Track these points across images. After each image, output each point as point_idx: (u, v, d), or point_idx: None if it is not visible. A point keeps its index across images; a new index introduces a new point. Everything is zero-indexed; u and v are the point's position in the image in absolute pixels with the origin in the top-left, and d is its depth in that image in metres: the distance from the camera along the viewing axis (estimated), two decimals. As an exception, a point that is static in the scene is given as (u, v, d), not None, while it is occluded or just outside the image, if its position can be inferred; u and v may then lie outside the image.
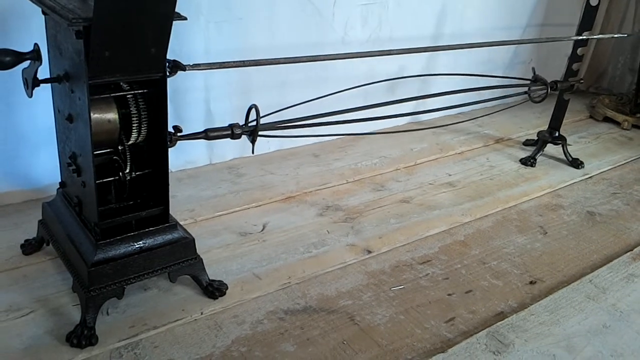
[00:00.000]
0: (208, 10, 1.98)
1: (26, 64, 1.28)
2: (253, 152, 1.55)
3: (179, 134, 1.39)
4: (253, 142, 1.53)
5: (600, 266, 1.76)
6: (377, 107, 1.84)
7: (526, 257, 1.80)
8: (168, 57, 1.25)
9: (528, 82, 2.23)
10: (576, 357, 1.39)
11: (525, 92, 2.26)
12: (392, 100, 1.92)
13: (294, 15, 2.21)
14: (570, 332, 1.47)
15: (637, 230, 2.01)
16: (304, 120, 1.65)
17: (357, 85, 1.86)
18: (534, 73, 2.25)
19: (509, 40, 2.78)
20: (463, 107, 2.28)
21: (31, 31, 1.49)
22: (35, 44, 1.26)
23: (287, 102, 1.68)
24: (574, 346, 1.42)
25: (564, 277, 1.71)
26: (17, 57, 1.25)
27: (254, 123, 1.51)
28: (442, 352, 1.37)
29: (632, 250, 1.86)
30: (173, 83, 1.30)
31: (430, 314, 1.51)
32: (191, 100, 2.08)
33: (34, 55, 1.26)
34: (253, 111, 1.50)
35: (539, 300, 1.58)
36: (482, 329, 1.45)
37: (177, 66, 1.29)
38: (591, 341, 1.44)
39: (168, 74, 1.26)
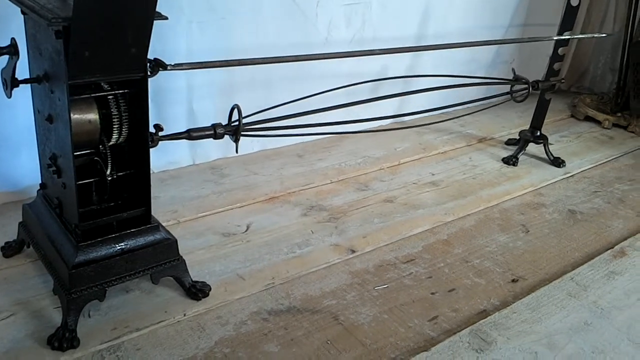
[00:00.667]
0: (190, 10, 1.97)
1: (3, 62, 1.26)
2: (237, 151, 1.55)
3: (160, 134, 1.38)
4: (236, 141, 1.53)
5: (582, 264, 1.78)
6: (360, 103, 1.85)
7: (508, 256, 1.81)
8: (149, 57, 1.25)
9: (510, 81, 2.25)
10: (558, 354, 1.40)
11: (508, 92, 2.27)
12: (375, 97, 1.92)
13: (278, 15, 2.21)
14: (552, 329, 1.48)
15: (618, 228, 2.03)
16: (288, 118, 1.65)
17: (340, 86, 1.86)
18: (514, 73, 2.27)
19: (491, 40, 2.80)
20: (446, 108, 2.30)
21: (10, 32, 1.47)
22: (12, 39, 1.24)
23: (271, 102, 1.67)
24: (556, 343, 1.43)
25: (546, 275, 1.73)
26: None
27: (237, 123, 1.50)
28: (426, 350, 1.37)
29: (612, 247, 1.88)
30: (155, 83, 1.29)
31: (413, 313, 1.52)
32: (174, 101, 2.07)
33: (11, 49, 1.24)
34: (236, 111, 1.49)
35: (521, 298, 1.59)
36: (465, 327, 1.46)
37: (159, 64, 1.28)
38: (573, 338, 1.45)
39: (150, 73, 1.25)
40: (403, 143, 2.57)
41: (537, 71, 2.98)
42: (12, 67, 1.25)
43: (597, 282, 1.69)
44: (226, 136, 1.53)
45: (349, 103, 1.79)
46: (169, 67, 1.30)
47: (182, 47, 1.99)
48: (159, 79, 1.35)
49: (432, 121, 2.45)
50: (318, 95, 1.74)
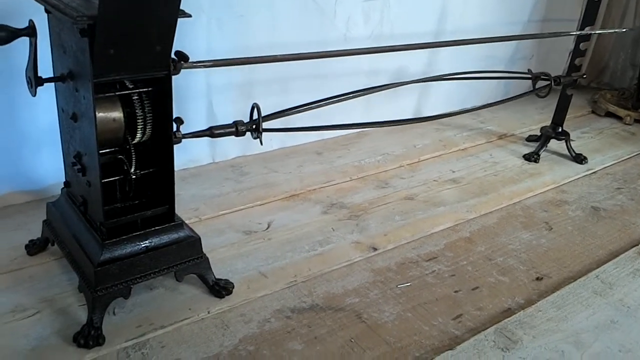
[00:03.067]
0: (209, 7, 1.97)
1: (23, 59, 1.27)
2: (262, 143, 1.53)
3: (183, 132, 1.38)
4: (258, 137, 1.52)
5: (606, 261, 1.76)
6: (381, 89, 1.83)
7: (532, 253, 1.79)
8: (171, 55, 1.25)
9: (532, 76, 2.22)
10: (584, 352, 1.38)
11: (531, 90, 2.25)
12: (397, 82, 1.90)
13: (296, 12, 2.20)
14: (578, 327, 1.46)
15: (642, 225, 2.01)
16: (307, 109, 1.65)
17: (358, 89, 1.83)
18: (531, 72, 2.23)
19: (510, 35, 2.77)
20: (465, 104, 2.28)
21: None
22: (30, 20, 1.25)
23: (290, 101, 1.67)
24: (582, 342, 1.41)
25: (571, 273, 1.71)
26: (11, 33, 1.23)
27: (257, 120, 1.50)
28: (451, 349, 1.36)
29: (637, 245, 1.85)
30: (175, 82, 1.29)
31: (437, 311, 1.50)
32: (194, 100, 2.07)
33: (30, 31, 1.24)
34: (256, 110, 1.49)
35: (546, 297, 1.57)
36: (490, 326, 1.45)
37: (181, 57, 1.27)
38: (599, 337, 1.43)
39: (173, 68, 1.25)
40: (422, 140, 2.56)
41: (556, 67, 2.94)
42: (32, 59, 1.25)
43: (623, 279, 1.67)
44: (246, 134, 1.53)
45: (368, 89, 1.77)
46: (194, 64, 1.30)
47: (202, 45, 1.99)
48: (179, 78, 1.35)
49: (451, 118, 2.44)
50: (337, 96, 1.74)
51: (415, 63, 2.61)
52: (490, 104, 2.15)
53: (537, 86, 2.21)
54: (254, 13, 2.09)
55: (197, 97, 2.08)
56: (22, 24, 1.26)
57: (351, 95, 1.78)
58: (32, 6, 1.26)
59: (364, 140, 2.51)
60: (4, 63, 1.61)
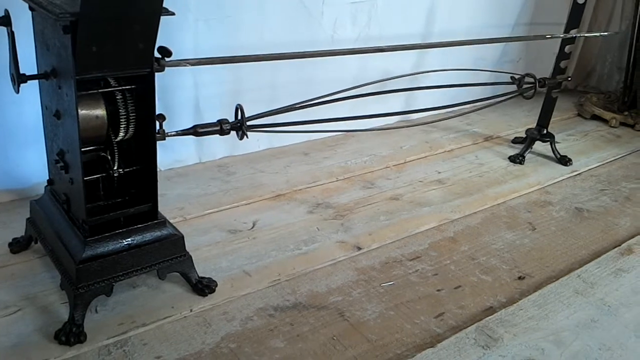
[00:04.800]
0: (196, 7, 1.98)
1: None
2: (245, 138, 1.54)
3: (167, 131, 1.38)
4: (243, 136, 1.53)
5: (589, 261, 1.78)
6: (368, 95, 1.84)
7: (515, 253, 1.80)
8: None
9: (518, 76, 2.24)
10: (564, 351, 1.39)
11: (515, 90, 2.26)
12: (383, 90, 1.92)
13: (283, 13, 2.21)
14: (558, 326, 1.47)
15: (625, 226, 2.02)
16: (294, 110, 1.65)
17: (347, 88, 1.85)
18: (513, 78, 2.25)
19: (498, 37, 2.80)
20: (453, 107, 2.29)
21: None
22: (6, 10, 1.26)
23: (277, 101, 1.68)
24: (563, 340, 1.43)
25: (553, 273, 1.72)
26: None
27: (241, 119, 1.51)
28: (432, 347, 1.37)
29: (619, 245, 1.87)
30: (161, 81, 1.29)
31: (419, 310, 1.51)
32: (180, 99, 2.08)
33: (5, 20, 1.25)
34: (239, 111, 1.51)
35: (527, 295, 1.59)
36: (472, 324, 1.46)
37: (164, 51, 1.27)
38: (580, 335, 1.45)
39: (157, 63, 1.25)
40: (409, 141, 2.57)
41: (543, 71, 2.96)
42: (12, 54, 1.26)
43: (604, 279, 1.68)
44: (232, 134, 1.54)
45: (355, 95, 1.79)
46: (178, 62, 1.30)
47: (189, 45, 1.99)
48: (165, 76, 1.36)
49: (438, 119, 2.45)
50: (324, 96, 1.74)
51: (403, 66, 2.62)
52: (475, 101, 2.16)
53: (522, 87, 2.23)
54: (242, 13, 2.10)
55: (183, 96, 2.08)
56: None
57: (338, 93, 1.79)
58: (16, 5, 1.27)
59: (350, 142, 2.52)
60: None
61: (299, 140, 2.44)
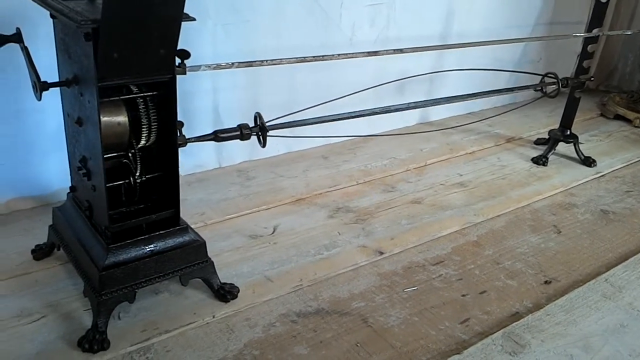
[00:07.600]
0: (215, 12, 1.97)
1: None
2: (265, 146, 1.53)
3: (188, 136, 1.38)
4: (263, 141, 1.52)
5: (616, 265, 1.74)
6: (384, 112, 1.83)
7: (540, 257, 1.77)
8: (175, 58, 1.25)
9: (540, 76, 2.21)
10: (594, 357, 1.36)
11: (538, 89, 2.23)
12: (401, 103, 1.91)
13: (301, 17, 2.20)
14: (587, 331, 1.44)
15: (652, 228, 1.99)
16: (313, 123, 1.64)
17: (366, 88, 1.84)
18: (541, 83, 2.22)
19: (518, 38, 2.76)
20: (473, 107, 2.27)
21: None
22: (17, 28, 1.29)
23: (296, 105, 1.67)
24: (592, 346, 1.39)
25: (579, 277, 1.69)
26: (1, 38, 1.29)
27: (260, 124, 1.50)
28: (458, 353, 1.35)
29: (647, 248, 1.84)
30: (180, 86, 1.29)
31: (444, 315, 1.49)
32: (199, 104, 2.08)
33: (16, 38, 1.28)
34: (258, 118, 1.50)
35: (554, 300, 1.56)
36: (498, 330, 1.43)
37: (183, 54, 1.26)
38: (609, 340, 1.42)
39: (178, 66, 1.25)
40: (429, 144, 2.55)
41: (564, 71, 2.93)
42: (28, 65, 1.27)
43: (632, 283, 1.65)
44: (252, 139, 1.53)
45: (372, 110, 1.79)
46: (199, 67, 1.30)
47: (208, 50, 1.99)
48: (184, 81, 1.35)
49: (458, 121, 2.43)
50: (344, 97, 1.73)
51: (421, 67, 2.60)
52: (496, 103, 2.13)
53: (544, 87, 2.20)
54: (260, 18, 2.09)
55: (202, 101, 2.08)
56: (29, 29, 1.27)
57: (358, 91, 1.77)
58: (38, 12, 1.27)
59: (370, 145, 2.50)
60: (10, 68, 1.62)
61: (318, 143, 2.42)
